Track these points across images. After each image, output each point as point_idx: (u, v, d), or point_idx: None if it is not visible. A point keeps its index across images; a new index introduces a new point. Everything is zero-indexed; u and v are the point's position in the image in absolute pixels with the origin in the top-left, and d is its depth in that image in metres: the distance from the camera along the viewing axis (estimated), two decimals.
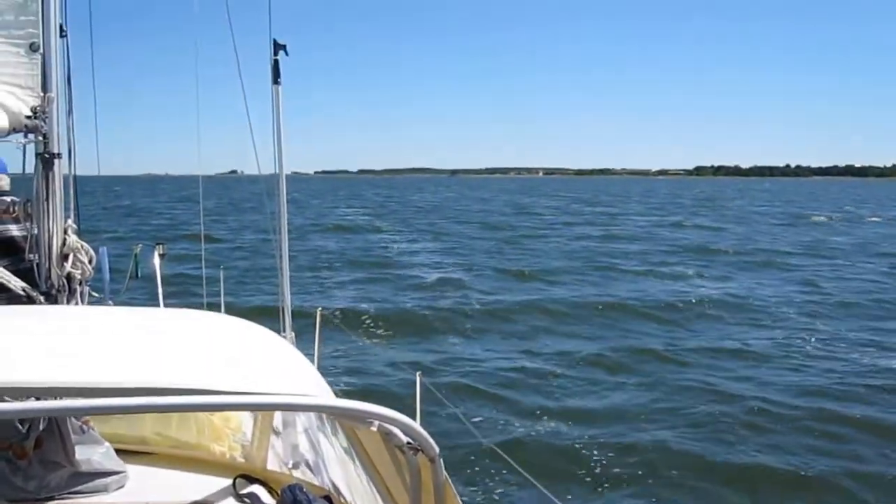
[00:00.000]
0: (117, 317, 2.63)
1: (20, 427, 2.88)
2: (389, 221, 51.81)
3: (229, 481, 3.20)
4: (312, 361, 4.74)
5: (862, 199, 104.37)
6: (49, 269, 3.56)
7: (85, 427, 3.12)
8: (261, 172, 6.20)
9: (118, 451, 3.19)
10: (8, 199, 3.63)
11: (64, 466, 2.96)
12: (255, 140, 5.98)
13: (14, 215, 3.60)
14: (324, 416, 4.05)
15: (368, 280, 23.39)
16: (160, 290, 6.31)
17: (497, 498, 8.02)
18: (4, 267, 3.38)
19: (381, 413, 1.91)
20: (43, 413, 2.40)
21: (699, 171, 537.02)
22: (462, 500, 2.64)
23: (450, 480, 2.26)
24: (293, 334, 6.14)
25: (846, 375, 12.61)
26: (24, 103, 3.46)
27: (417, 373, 6.01)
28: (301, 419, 4.11)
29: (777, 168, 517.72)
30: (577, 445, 9.49)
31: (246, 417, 3.75)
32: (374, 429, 2.02)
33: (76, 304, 3.66)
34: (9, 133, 3.41)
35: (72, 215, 3.81)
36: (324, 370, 3.69)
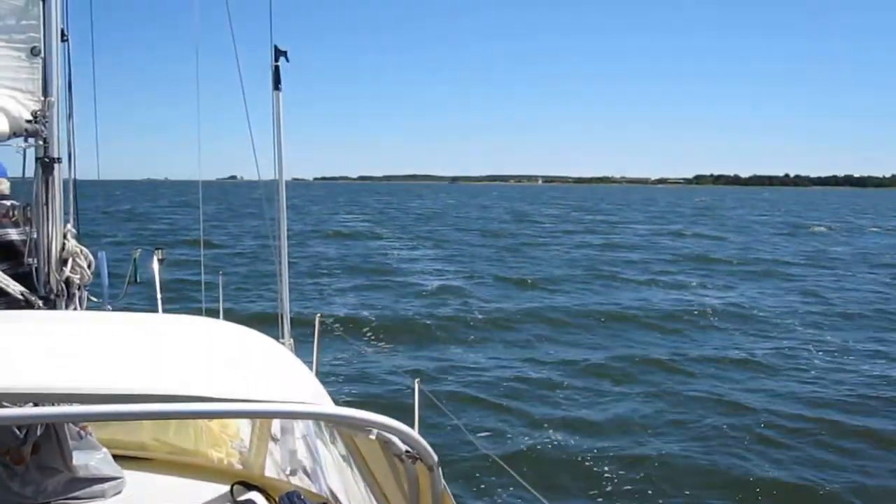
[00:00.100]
0: (116, 322, 2.62)
1: (17, 432, 2.87)
2: (389, 228, 51.82)
3: (227, 488, 3.18)
4: (311, 368, 4.72)
5: (861, 209, 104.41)
6: (48, 274, 3.55)
7: (83, 432, 3.11)
8: (260, 178, 6.20)
9: (116, 457, 3.18)
10: (7, 203, 3.63)
11: (61, 472, 2.95)
12: (255, 145, 5.98)
13: (13, 219, 3.59)
14: (322, 423, 4.05)
15: (368, 287, 23.37)
16: (159, 296, 6.30)
17: None
18: (3, 271, 3.37)
19: (379, 421, 1.91)
20: (41, 419, 2.40)
21: (699, 179, 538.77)
22: None
23: (448, 489, 2.25)
24: (292, 341, 6.13)
25: (855, 387, 12.54)
26: (24, 107, 3.46)
27: (416, 380, 6.00)
28: (299, 426, 4.10)
29: (776, 177, 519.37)
30: (577, 455, 9.46)
31: (244, 424, 3.74)
32: (372, 437, 2.01)
33: (75, 308, 3.65)
34: (9, 137, 3.41)
35: (71, 220, 3.80)
36: (323, 377, 3.69)
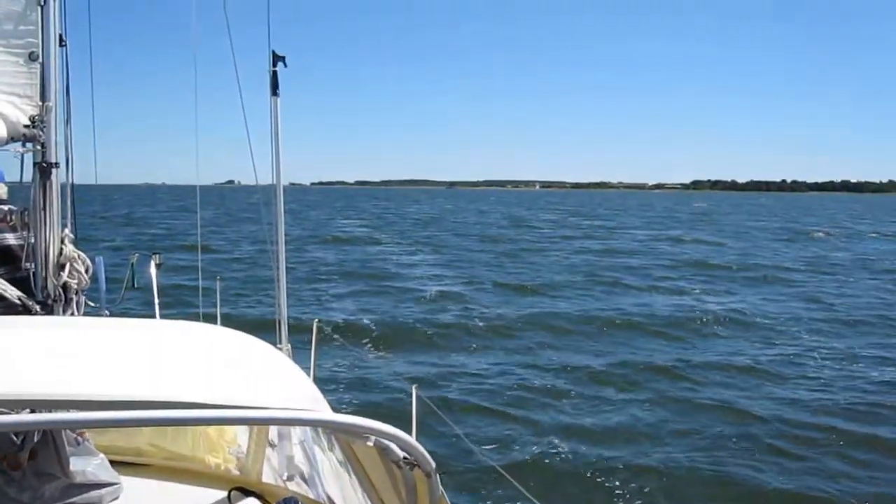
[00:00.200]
0: (113, 328, 2.62)
1: (15, 438, 2.86)
2: (388, 233, 51.79)
3: (224, 494, 3.18)
4: (309, 374, 4.72)
5: (859, 215, 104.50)
6: (45, 279, 3.55)
7: (80, 438, 3.10)
8: (258, 183, 6.20)
9: (113, 463, 3.17)
10: (5, 207, 3.62)
11: (58, 478, 2.94)
12: (253, 150, 5.98)
13: (11, 224, 3.59)
14: (320, 429, 4.04)
15: (366, 292, 23.35)
16: (156, 301, 6.30)
17: None
18: (1, 276, 3.37)
19: (377, 428, 1.90)
20: (39, 426, 2.39)
21: (696, 185, 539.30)
22: None
23: (446, 496, 2.25)
24: (290, 346, 6.12)
25: (862, 394, 12.50)
26: (22, 112, 3.46)
27: (413, 386, 5.99)
28: (297, 432, 4.10)
29: (773, 183, 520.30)
30: (577, 463, 9.44)
31: (241, 430, 3.74)
32: (370, 443, 2.01)
33: (72, 313, 3.65)
34: (7, 142, 3.41)
35: (69, 224, 3.80)
36: (320, 383, 3.68)
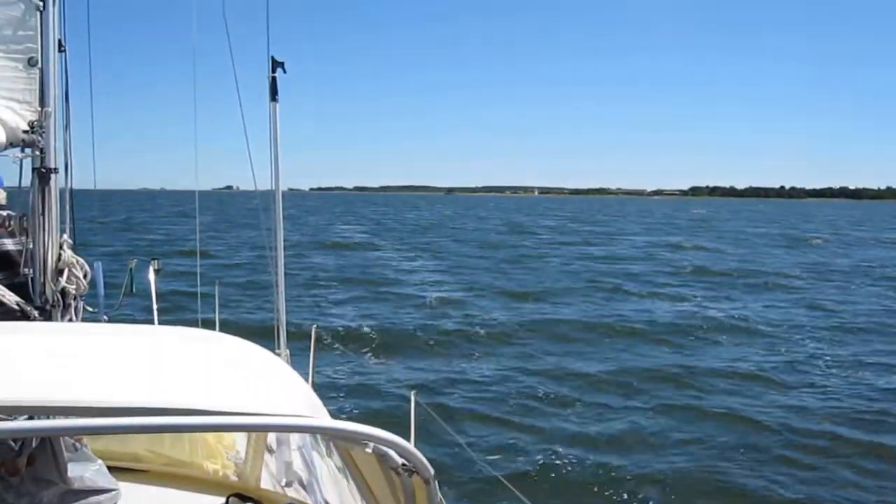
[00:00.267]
0: (112, 334, 2.61)
1: (12, 444, 2.85)
2: (387, 239, 51.81)
3: (222, 500, 3.17)
4: (307, 379, 4.71)
5: (858, 221, 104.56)
6: (44, 284, 3.55)
7: (78, 444, 3.09)
8: (257, 188, 6.20)
9: (111, 469, 3.16)
10: (4, 213, 3.62)
11: (56, 484, 2.93)
12: (252, 156, 5.98)
13: (10, 229, 3.59)
14: (318, 435, 4.04)
15: (365, 298, 23.35)
16: (155, 306, 6.29)
17: None
18: None
19: (375, 434, 1.90)
20: (37, 433, 2.39)
21: (694, 191, 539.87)
22: None
23: (444, 503, 2.25)
24: (288, 352, 6.11)
25: (868, 402, 12.46)
26: (21, 118, 3.46)
27: (412, 392, 5.98)
28: (295, 438, 4.09)
29: (772, 189, 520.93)
30: (576, 470, 9.41)
31: (240, 435, 3.73)
32: (368, 450, 2.01)
33: (70, 319, 3.64)
34: (6, 147, 3.41)
35: (67, 230, 3.80)
36: (319, 389, 3.67)
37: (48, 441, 2.90)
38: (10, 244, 3.56)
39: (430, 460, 2.03)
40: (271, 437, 3.80)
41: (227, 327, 5.05)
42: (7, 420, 1.77)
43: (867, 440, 10.62)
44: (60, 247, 3.62)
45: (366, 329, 17.59)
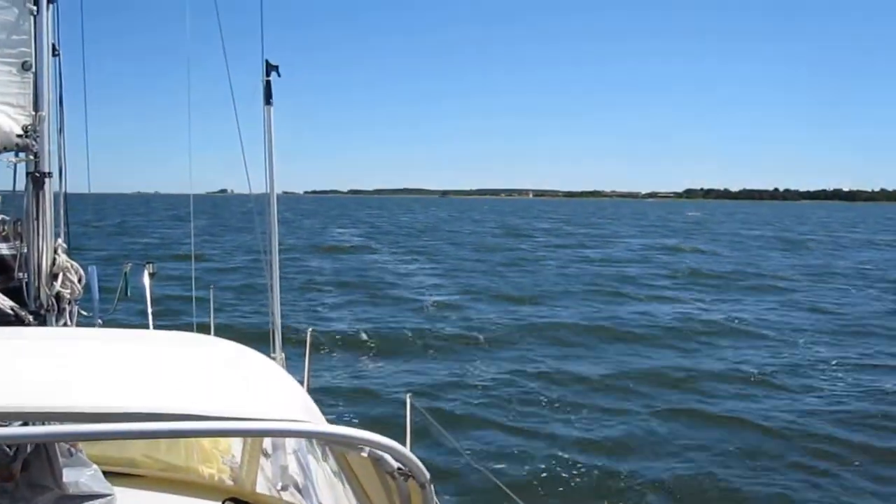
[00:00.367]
0: (107, 339, 2.61)
1: (7, 450, 2.84)
2: (383, 243, 51.77)
3: None
4: (302, 383, 4.70)
5: (852, 223, 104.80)
6: (38, 289, 3.54)
7: (73, 449, 3.08)
8: (252, 192, 6.19)
9: (106, 474, 3.15)
10: None
11: (51, 489, 2.92)
12: (246, 159, 5.97)
13: (4, 234, 3.58)
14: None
15: (360, 302, 23.30)
16: (149, 310, 6.28)
17: None
18: None
19: (371, 439, 1.90)
20: (32, 439, 2.38)
21: (689, 193, 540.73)
22: None
23: None
24: (283, 356, 6.10)
25: (872, 405, 12.40)
26: (15, 122, 3.45)
27: (408, 396, 5.97)
28: (291, 442, 4.08)
29: (766, 191, 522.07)
30: (574, 475, 9.36)
31: (235, 440, 3.72)
32: (364, 454, 2.01)
33: (65, 323, 3.64)
34: (0, 152, 3.40)
35: (62, 234, 3.80)
36: (314, 393, 3.67)
37: (43, 446, 2.90)
38: (4, 249, 3.55)
39: (425, 464, 2.03)
40: (267, 442, 3.79)
41: (222, 331, 5.04)
42: (2, 426, 1.77)
43: (867, 443, 10.61)
44: (55, 251, 3.62)
45: (361, 333, 17.55)
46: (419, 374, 14.07)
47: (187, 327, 5.76)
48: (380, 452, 1.97)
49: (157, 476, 3.42)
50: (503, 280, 29.65)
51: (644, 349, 16.71)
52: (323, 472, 4.10)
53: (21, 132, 3.43)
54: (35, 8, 3.54)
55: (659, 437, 10.77)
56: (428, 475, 2.03)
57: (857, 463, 9.92)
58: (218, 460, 3.60)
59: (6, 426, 1.89)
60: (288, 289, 21.96)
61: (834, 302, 25.02)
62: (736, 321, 20.35)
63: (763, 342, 17.75)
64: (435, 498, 2.11)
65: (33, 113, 3.51)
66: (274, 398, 2.16)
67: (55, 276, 3.58)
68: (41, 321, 3.52)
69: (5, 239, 3.57)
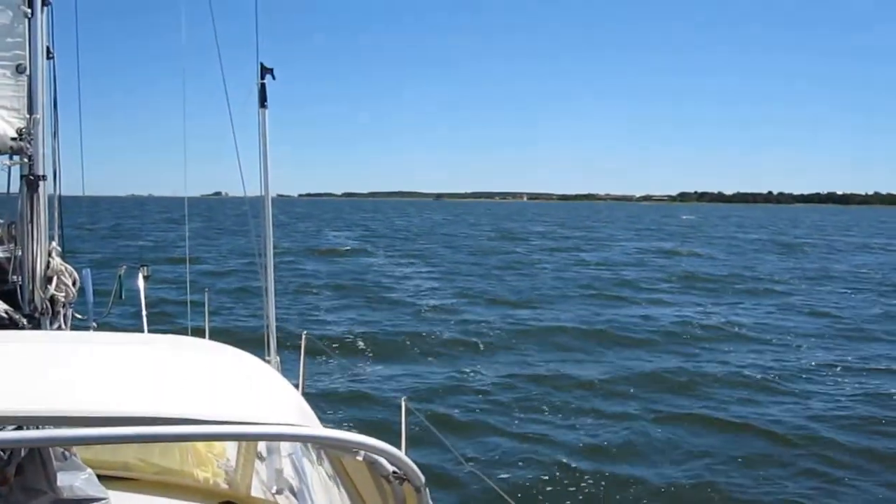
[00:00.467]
0: (101, 343, 2.61)
1: (1, 454, 2.83)
2: (378, 246, 51.71)
3: None
4: (297, 387, 4.69)
5: (846, 227, 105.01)
6: (32, 292, 3.53)
7: (67, 453, 3.07)
8: (246, 195, 6.19)
9: (100, 477, 3.14)
10: None
11: (45, 493, 2.91)
12: (241, 162, 5.97)
13: None
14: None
15: (356, 305, 23.27)
16: (144, 313, 6.26)
17: None
18: None
19: (366, 443, 1.89)
20: (26, 444, 2.37)
21: (683, 197, 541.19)
22: None
23: None
24: (278, 359, 6.08)
25: (871, 406, 12.42)
26: (9, 125, 3.44)
27: (403, 399, 5.96)
28: (286, 445, 4.08)
29: (760, 195, 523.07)
30: (572, 480, 9.31)
31: (230, 444, 3.71)
32: (359, 458, 2.00)
33: (59, 326, 3.63)
34: None
35: (56, 237, 3.79)
36: (309, 397, 3.66)
37: (37, 450, 2.89)
38: None
39: (421, 468, 2.03)
40: (262, 445, 3.79)
41: (216, 335, 5.04)
42: None
43: (870, 447, 10.58)
44: (49, 254, 3.61)
45: (357, 336, 17.52)
46: (415, 378, 14.04)
47: (182, 330, 5.76)
48: (375, 456, 1.96)
49: (152, 480, 3.41)
50: (499, 283, 29.62)
51: (642, 353, 16.66)
52: (318, 476, 4.09)
53: (15, 135, 3.43)
54: (30, 11, 3.53)
55: (658, 441, 10.71)
56: (423, 479, 2.02)
57: (860, 468, 9.90)
58: (213, 464, 3.59)
59: (0, 430, 1.88)
60: (283, 292, 21.94)
61: (832, 305, 25.04)
62: (735, 325, 20.33)
63: (763, 346, 17.74)
64: (430, 502, 2.11)
65: (27, 116, 3.50)
66: (269, 402, 2.16)
67: (49, 280, 3.57)
68: (35, 324, 3.51)
69: None
